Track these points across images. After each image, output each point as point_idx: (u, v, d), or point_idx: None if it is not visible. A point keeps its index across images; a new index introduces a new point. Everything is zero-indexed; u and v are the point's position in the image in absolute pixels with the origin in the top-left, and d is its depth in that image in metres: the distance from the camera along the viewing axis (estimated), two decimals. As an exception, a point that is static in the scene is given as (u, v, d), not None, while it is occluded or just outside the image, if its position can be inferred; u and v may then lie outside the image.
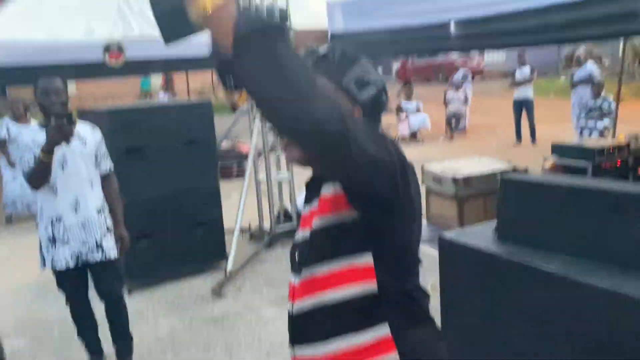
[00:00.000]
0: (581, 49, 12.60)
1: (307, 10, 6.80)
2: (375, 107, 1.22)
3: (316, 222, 1.19)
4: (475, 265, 2.39)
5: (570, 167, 5.06)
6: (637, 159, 5.27)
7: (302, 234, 1.27)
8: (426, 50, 10.06)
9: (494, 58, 23.19)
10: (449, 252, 2.44)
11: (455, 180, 5.15)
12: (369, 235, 1.14)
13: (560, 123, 11.64)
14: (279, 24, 0.95)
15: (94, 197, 3.05)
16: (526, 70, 10.36)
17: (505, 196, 3.25)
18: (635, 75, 16.34)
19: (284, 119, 0.92)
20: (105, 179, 3.17)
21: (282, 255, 5.17)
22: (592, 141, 5.78)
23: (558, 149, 5.32)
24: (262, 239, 5.54)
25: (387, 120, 10.13)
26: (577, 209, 2.82)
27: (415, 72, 23.41)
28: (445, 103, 12.23)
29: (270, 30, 0.89)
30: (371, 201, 1.09)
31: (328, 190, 1.19)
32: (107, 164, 3.20)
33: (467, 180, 5.15)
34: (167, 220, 4.56)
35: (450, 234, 2.48)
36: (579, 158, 5.04)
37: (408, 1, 4.70)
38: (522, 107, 10.36)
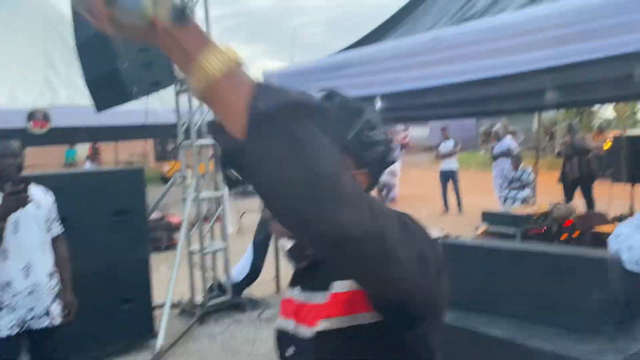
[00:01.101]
0: (498, 125, 13.46)
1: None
2: (382, 168, 1.06)
3: (325, 324, 0.99)
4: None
5: (500, 233, 5.25)
6: (559, 225, 5.57)
7: (298, 328, 1.06)
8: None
9: (418, 132, 24.32)
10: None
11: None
12: (390, 339, 0.96)
13: (483, 193, 12.18)
14: (312, 100, 0.76)
15: (45, 262, 2.96)
16: (450, 143, 10.91)
17: (447, 261, 3.29)
18: (547, 149, 17.61)
19: (310, 223, 0.72)
20: (55, 243, 3.07)
21: (215, 331, 4.91)
22: (519, 209, 6.05)
23: (488, 217, 5.53)
24: (193, 314, 5.25)
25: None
26: (518, 270, 2.89)
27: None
28: (375, 174, 12.54)
29: (302, 107, 0.71)
30: (405, 311, 0.88)
31: (343, 288, 0.98)
32: (58, 228, 3.10)
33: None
34: (92, 295, 4.20)
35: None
36: (508, 225, 5.26)
37: (339, 75, 4.90)
38: (448, 178, 10.81)
